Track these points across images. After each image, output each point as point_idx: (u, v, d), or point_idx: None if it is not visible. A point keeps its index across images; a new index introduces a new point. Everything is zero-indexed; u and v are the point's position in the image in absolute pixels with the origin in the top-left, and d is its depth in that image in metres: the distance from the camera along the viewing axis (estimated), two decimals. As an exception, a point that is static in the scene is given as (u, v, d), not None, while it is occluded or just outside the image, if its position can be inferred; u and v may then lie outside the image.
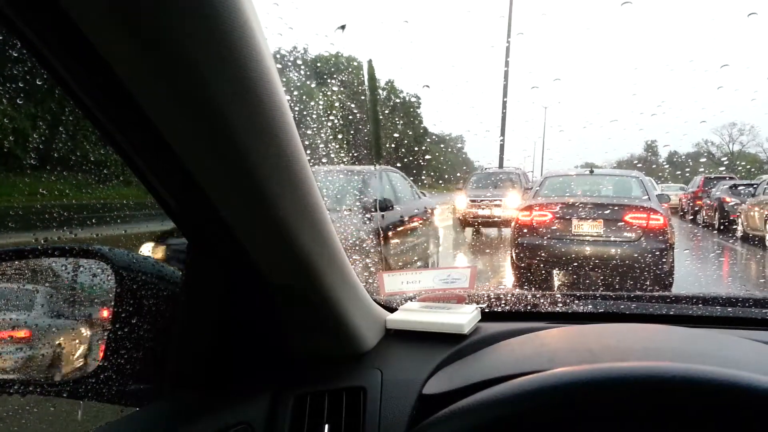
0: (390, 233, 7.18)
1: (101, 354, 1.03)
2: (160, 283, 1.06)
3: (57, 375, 1.19)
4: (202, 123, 0.67)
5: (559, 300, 1.46)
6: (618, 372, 0.72)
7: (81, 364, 1.15)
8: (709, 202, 15.14)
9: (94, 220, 1.25)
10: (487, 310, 1.37)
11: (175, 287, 1.04)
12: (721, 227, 13.49)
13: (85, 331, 1.19)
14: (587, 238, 6.90)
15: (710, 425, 0.67)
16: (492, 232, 14.03)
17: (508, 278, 7.78)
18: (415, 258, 7.97)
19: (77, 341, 1.19)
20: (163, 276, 1.07)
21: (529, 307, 1.44)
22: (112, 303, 1.03)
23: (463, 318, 1.23)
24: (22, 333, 1.17)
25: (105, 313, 1.10)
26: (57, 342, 1.19)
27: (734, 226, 12.82)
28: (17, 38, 0.61)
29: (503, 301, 1.45)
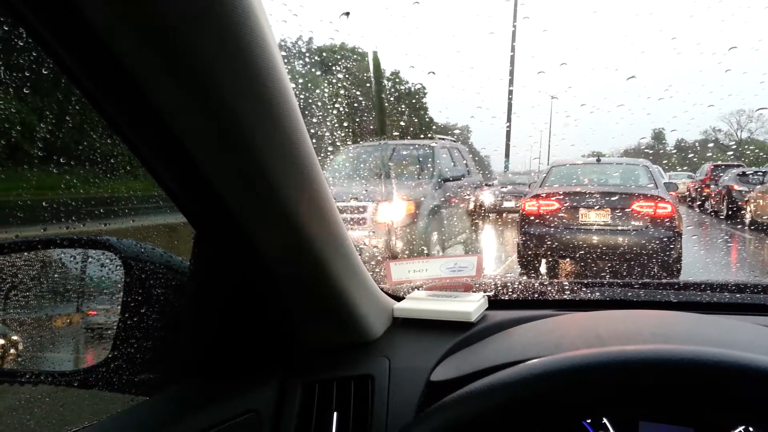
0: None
1: (110, 344, 1.04)
2: (168, 273, 1.06)
3: (67, 365, 1.20)
4: (207, 112, 0.67)
5: (567, 288, 1.46)
6: (627, 355, 0.71)
7: (91, 353, 1.16)
8: (717, 189, 15.03)
9: (102, 211, 1.26)
10: (494, 299, 1.37)
11: (183, 277, 1.04)
12: (730, 215, 13.40)
13: (94, 321, 1.20)
14: (594, 226, 6.87)
15: (720, 407, 0.67)
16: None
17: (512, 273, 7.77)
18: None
19: (86, 331, 1.20)
20: (171, 266, 1.08)
21: (536, 295, 1.44)
22: (121, 293, 1.03)
23: (471, 306, 1.23)
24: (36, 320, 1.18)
25: (113, 303, 1.10)
26: (67, 332, 1.20)
27: (742, 212, 12.73)
28: (23, 27, 0.61)
29: (510, 289, 1.44)
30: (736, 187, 13.65)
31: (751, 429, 0.89)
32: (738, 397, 0.66)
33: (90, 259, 1.18)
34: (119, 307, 1.03)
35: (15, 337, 1.18)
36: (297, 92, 0.79)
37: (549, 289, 1.47)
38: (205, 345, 1.00)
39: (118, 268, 1.05)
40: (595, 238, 6.82)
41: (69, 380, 1.10)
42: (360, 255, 1.11)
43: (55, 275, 1.24)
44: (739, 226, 12.45)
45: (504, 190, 14.90)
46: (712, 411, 0.68)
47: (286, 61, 0.74)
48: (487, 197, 14.04)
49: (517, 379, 0.75)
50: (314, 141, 0.85)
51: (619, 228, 6.78)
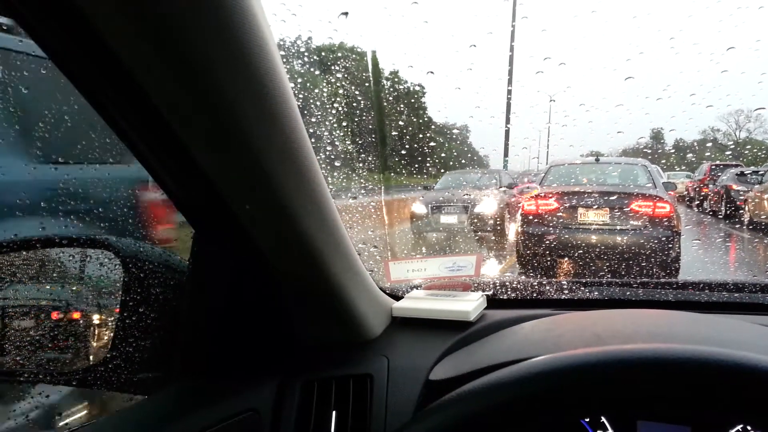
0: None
1: (109, 343, 1.04)
2: (167, 272, 1.06)
3: (66, 364, 1.20)
4: (207, 112, 0.67)
5: (565, 287, 1.46)
6: (625, 354, 0.71)
7: (90, 353, 1.16)
8: (715, 189, 15.04)
9: (101, 210, 1.26)
10: (492, 298, 1.37)
11: (182, 276, 1.04)
12: (728, 214, 13.41)
13: (93, 321, 1.20)
14: (593, 226, 6.88)
15: (718, 405, 0.67)
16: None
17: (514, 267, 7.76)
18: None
19: (85, 330, 1.20)
20: (170, 265, 1.08)
21: (535, 294, 1.44)
22: (120, 292, 1.03)
23: (469, 305, 1.23)
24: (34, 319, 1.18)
25: (112, 303, 1.10)
26: (66, 331, 1.20)
27: (741, 213, 12.75)
28: (22, 27, 0.61)
29: (509, 289, 1.45)
30: (734, 186, 13.65)
31: (749, 428, 0.89)
32: (736, 396, 0.66)
33: (89, 258, 1.18)
34: (118, 307, 1.03)
35: (14, 337, 1.18)
36: (296, 92, 0.79)
37: (547, 288, 1.47)
38: (205, 344, 1.00)
39: (117, 267, 1.05)
40: (593, 238, 6.82)
41: (68, 379, 1.10)
42: (359, 255, 1.11)
43: (54, 274, 1.24)
44: (737, 226, 12.46)
45: (440, 197, 9.93)
46: (710, 410, 0.69)
47: (285, 60, 0.74)
48: (418, 208, 9.86)
49: (516, 378, 0.75)
50: (313, 141, 0.85)
51: (618, 227, 6.78)
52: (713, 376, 0.66)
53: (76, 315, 1.22)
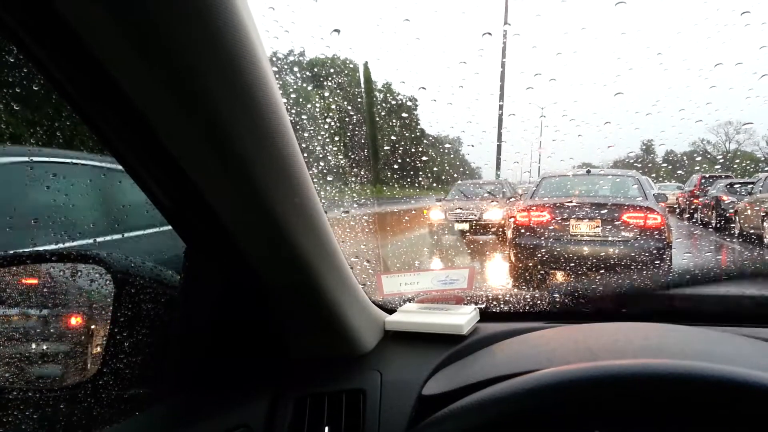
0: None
1: (100, 359, 1.03)
2: (159, 287, 1.06)
3: (56, 380, 1.19)
4: (198, 126, 0.67)
5: (558, 300, 1.46)
6: (616, 369, 0.72)
7: (80, 369, 1.15)
8: (705, 200, 15.14)
9: (92, 225, 1.25)
10: (485, 311, 1.37)
11: (174, 291, 1.04)
12: (718, 226, 13.49)
13: (84, 336, 1.19)
14: (585, 238, 6.90)
15: (707, 421, 0.67)
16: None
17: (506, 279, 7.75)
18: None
19: (75, 346, 1.19)
20: (161, 280, 1.07)
21: (527, 307, 1.44)
22: (111, 308, 1.03)
23: (462, 319, 1.23)
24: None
25: (103, 318, 1.09)
26: (55, 347, 1.18)
27: (731, 224, 12.83)
28: (13, 42, 0.61)
29: (502, 302, 1.45)
30: (724, 198, 13.74)
31: None
32: (728, 411, 0.66)
33: (79, 274, 1.17)
34: (109, 322, 1.03)
35: (2, 353, 1.17)
36: (288, 106, 0.79)
37: (540, 301, 1.47)
38: (196, 359, 0.99)
39: (108, 282, 1.05)
40: (585, 250, 6.85)
41: (57, 396, 1.09)
42: (351, 268, 1.11)
43: (44, 290, 1.23)
44: (727, 238, 12.53)
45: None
46: (703, 424, 0.69)
47: (277, 75, 0.75)
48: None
49: (509, 394, 0.75)
50: (305, 155, 0.86)
51: (609, 239, 6.81)
52: (705, 391, 0.66)
53: (67, 330, 1.21)
